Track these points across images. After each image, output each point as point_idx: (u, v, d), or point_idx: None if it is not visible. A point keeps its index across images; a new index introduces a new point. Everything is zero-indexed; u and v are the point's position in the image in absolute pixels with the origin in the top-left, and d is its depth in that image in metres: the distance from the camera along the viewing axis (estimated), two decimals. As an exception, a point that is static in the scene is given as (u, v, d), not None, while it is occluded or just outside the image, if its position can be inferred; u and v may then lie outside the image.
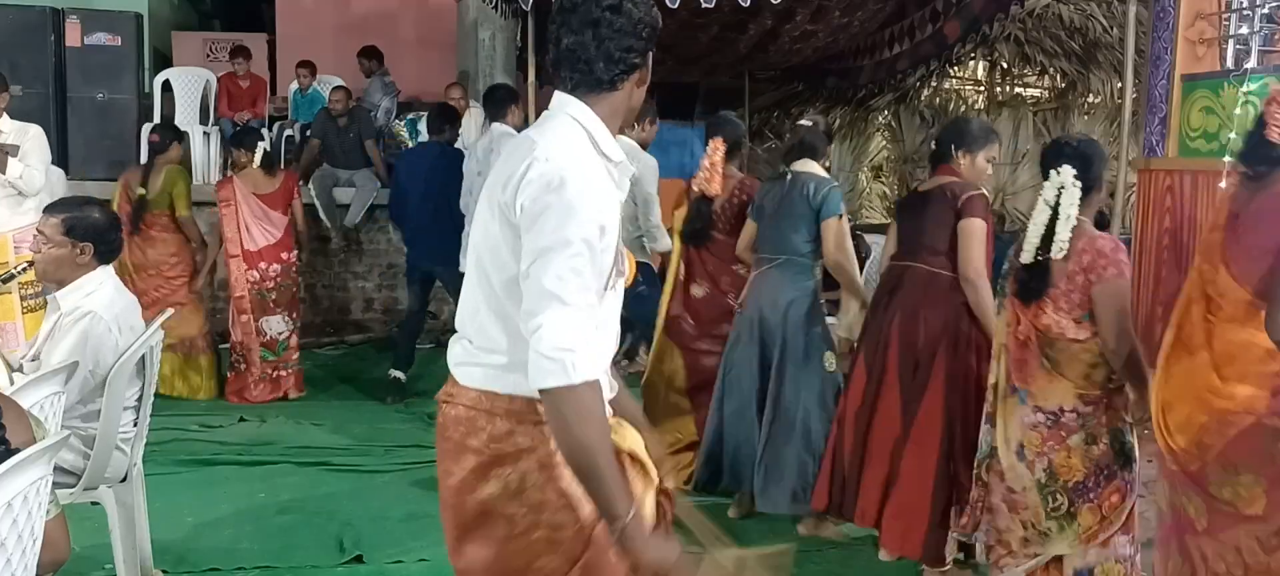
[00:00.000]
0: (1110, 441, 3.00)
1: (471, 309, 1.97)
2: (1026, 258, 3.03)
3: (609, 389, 2.00)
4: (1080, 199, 2.97)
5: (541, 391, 1.78)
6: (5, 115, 5.15)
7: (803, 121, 4.57)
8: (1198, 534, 2.64)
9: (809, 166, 4.26)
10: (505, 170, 1.89)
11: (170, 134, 6.50)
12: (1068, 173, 2.98)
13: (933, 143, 3.98)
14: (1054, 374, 3.00)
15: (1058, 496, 3.03)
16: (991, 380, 3.25)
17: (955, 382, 3.64)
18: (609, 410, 1.98)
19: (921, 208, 3.81)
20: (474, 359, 1.95)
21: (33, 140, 5.16)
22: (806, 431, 4.13)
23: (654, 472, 2.08)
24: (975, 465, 3.31)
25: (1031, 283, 3.02)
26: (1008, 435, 3.13)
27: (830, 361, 4.20)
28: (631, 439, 2.07)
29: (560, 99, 1.97)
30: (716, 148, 4.58)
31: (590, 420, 1.78)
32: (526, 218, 1.81)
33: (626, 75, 1.94)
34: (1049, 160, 3.08)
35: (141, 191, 6.15)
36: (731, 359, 4.38)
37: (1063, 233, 2.95)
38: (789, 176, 4.25)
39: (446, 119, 6.45)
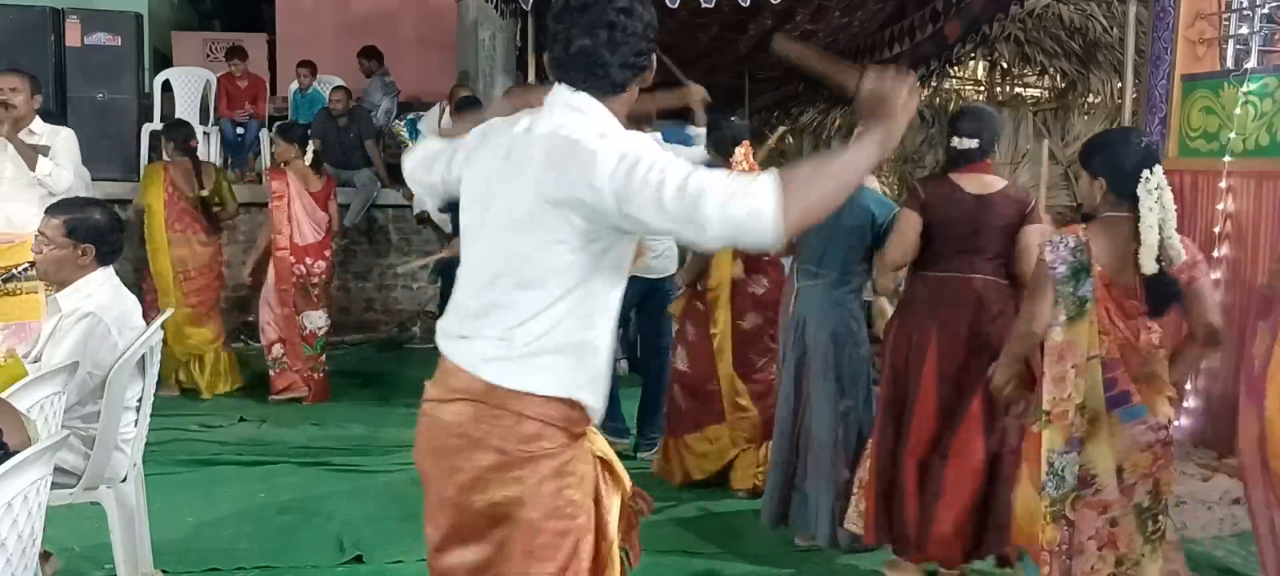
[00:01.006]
0: None
1: (508, 312, 1.91)
2: (1152, 268, 2.82)
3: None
4: None
5: (774, 222, 1.70)
6: (37, 116, 5.22)
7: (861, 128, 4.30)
8: None
9: (869, 180, 4.00)
10: (553, 173, 1.83)
11: None
12: (1160, 172, 2.84)
13: (968, 137, 3.62)
14: (1159, 382, 2.90)
15: (1158, 519, 2.91)
16: (1076, 399, 2.91)
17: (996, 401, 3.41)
18: (597, 415, 2.02)
19: (981, 213, 3.53)
20: (505, 355, 1.91)
21: (63, 141, 5.23)
22: (833, 462, 3.97)
23: (624, 477, 2.12)
24: (1053, 504, 2.94)
25: (1162, 292, 2.86)
26: (1112, 461, 2.91)
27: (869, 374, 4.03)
28: (601, 444, 2.09)
29: (570, 94, 1.93)
30: (748, 150, 4.55)
31: (815, 183, 1.75)
32: (617, 188, 1.76)
33: (636, 76, 1.95)
34: (1141, 161, 2.87)
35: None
36: (779, 385, 4.24)
37: (1176, 235, 2.82)
38: None
39: None
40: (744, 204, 1.70)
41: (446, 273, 5.99)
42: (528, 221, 1.87)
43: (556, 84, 1.96)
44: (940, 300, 3.61)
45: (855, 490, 3.87)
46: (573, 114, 1.91)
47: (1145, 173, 2.83)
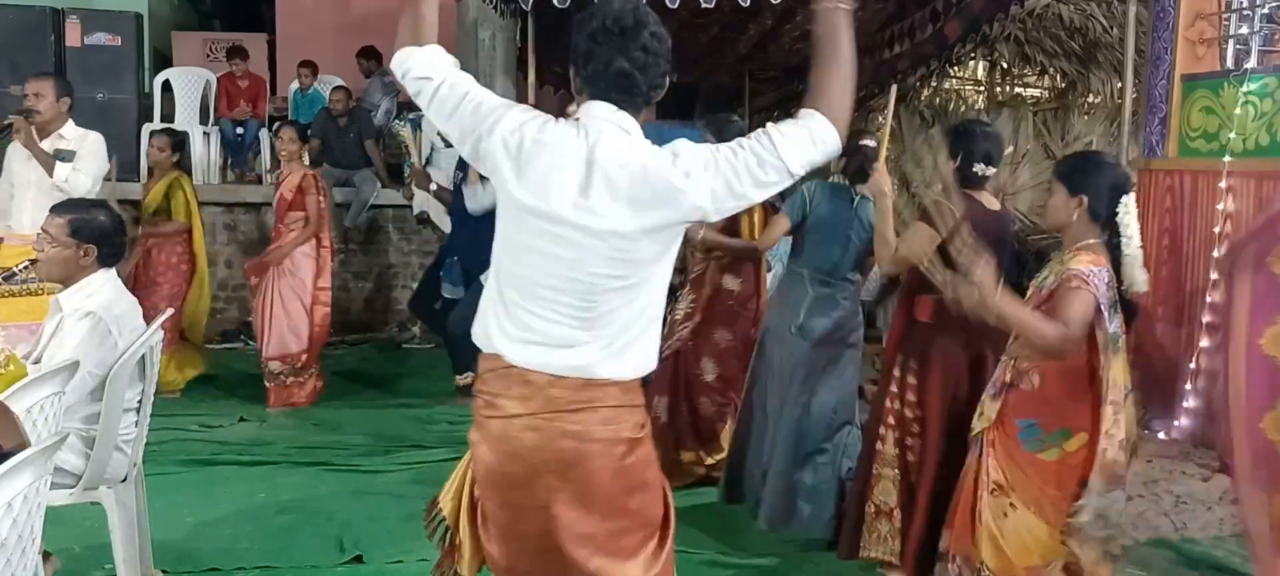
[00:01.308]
0: None
1: (611, 316, 2.10)
2: (1145, 286, 2.86)
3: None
4: None
5: (837, 137, 2.12)
6: (71, 121, 5.17)
7: (866, 142, 4.11)
8: None
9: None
10: (650, 208, 2.04)
11: None
12: (1131, 196, 2.90)
13: (992, 165, 3.54)
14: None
15: None
16: (1121, 435, 2.81)
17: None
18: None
19: (996, 235, 3.39)
20: (611, 353, 2.12)
21: (90, 146, 5.15)
22: (833, 458, 4.02)
23: None
24: (1104, 545, 2.82)
25: (1130, 314, 2.88)
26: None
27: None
28: None
29: (613, 112, 2.10)
30: None
31: (838, 89, 2.14)
32: (716, 195, 2.05)
33: (659, 93, 2.16)
34: (1122, 186, 2.90)
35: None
36: (767, 377, 4.23)
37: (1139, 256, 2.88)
38: (856, 199, 4.06)
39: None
40: (815, 142, 2.07)
41: (467, 280, 5.98)
42: (628, 244, 2.07)
43: (591, 100, 2.11)
44: (967, 321, 3.36)
45: (868, 513, 3.77)
46: (625, 136, 2.10)
47: (1125, 198, 2.89)
